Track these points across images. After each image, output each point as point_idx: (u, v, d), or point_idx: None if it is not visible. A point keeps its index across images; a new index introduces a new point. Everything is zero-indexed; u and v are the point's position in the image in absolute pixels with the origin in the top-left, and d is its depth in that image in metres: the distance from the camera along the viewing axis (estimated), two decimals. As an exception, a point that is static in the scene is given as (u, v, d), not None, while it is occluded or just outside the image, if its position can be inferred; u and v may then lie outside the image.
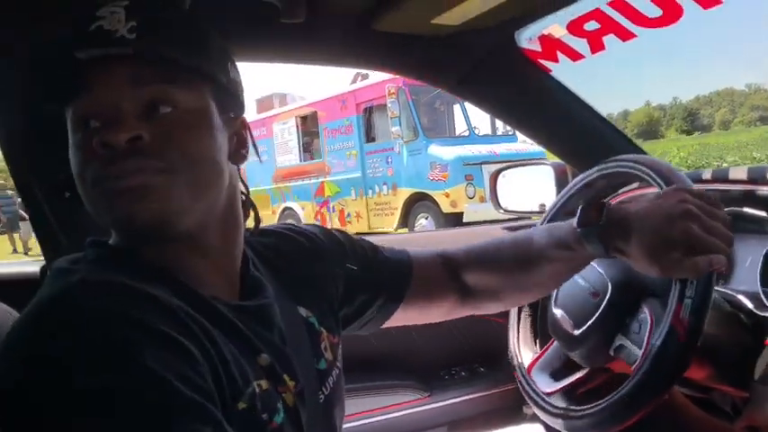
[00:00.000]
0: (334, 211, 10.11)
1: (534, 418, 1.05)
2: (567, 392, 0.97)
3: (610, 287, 0.89)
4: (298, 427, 0.62)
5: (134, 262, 0.59)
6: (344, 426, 0.78)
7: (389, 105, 8.56)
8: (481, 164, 8.35)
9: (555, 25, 1.15)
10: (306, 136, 10.87)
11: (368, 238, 0.93)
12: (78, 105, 0.58)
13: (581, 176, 1.08)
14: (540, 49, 1.21)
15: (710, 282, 0.73)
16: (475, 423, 1.30)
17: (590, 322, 0.91)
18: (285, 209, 10.95)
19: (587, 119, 1.36)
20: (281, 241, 0.80)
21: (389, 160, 9.13)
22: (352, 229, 9.26)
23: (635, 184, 1.11)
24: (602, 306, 0.89)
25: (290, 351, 0.66)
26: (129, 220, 0.56)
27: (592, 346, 0.92)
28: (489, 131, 9.63)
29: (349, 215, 9.87)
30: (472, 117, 9.59)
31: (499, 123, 9.52)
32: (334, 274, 0.81)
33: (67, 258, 0.60)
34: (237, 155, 0.66)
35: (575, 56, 1.20)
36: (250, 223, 0.75)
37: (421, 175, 8.78)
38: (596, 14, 1.07)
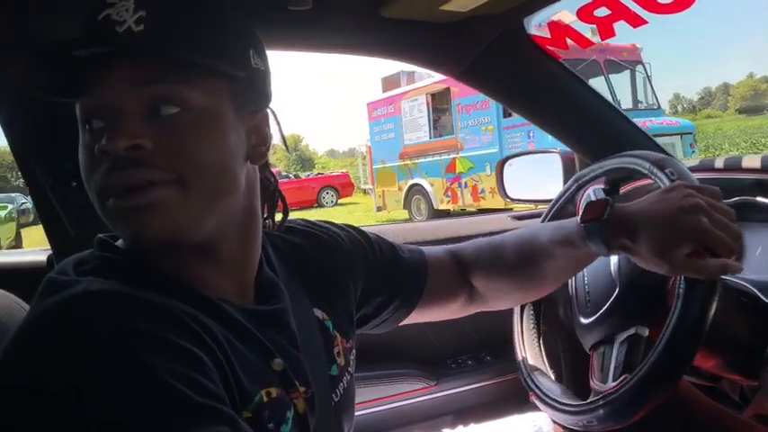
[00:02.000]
0: (466, 187, 10.01)
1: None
2: (571, 387, 0.97)
3: (621, 279, 0.89)
4: None
5: (144, 268, 0.57)
6: None
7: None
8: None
9: (564, 11, 1.14)
10: (436, 113, 10.77)
11: (385, 226, 0.92)
12: (83, 103, 0.56)
13: (587, 169, 1.07)
14: (549, 36, 1.19)
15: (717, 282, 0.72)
16: (481, 412, 1.30)
17: (611, 299, 0.90)
18: (413, 185, 11.00)
19: (597, 107, 1.34)
20: (304, 240, 0.78)
21: (531, 135, 8.68)
22: (485, 205, 9.30)
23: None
24: (618, 291, 0.89)
25: (302, 356, 0.64)
26: (138, 237, 0.54)
27: (613, 321, 0.91)
28: (631, 105, 9.38)
29: (483, 191, 9.71)
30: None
31: (641, 97, 9.44)
32: (353, 276, 0.80)
33: (72, 260, 0.58)
34: (256, 153, 0.62)
35: (584, 42, 1.19)
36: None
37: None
38: (607, 1, 1.05)
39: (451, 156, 10.23)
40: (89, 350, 0.45)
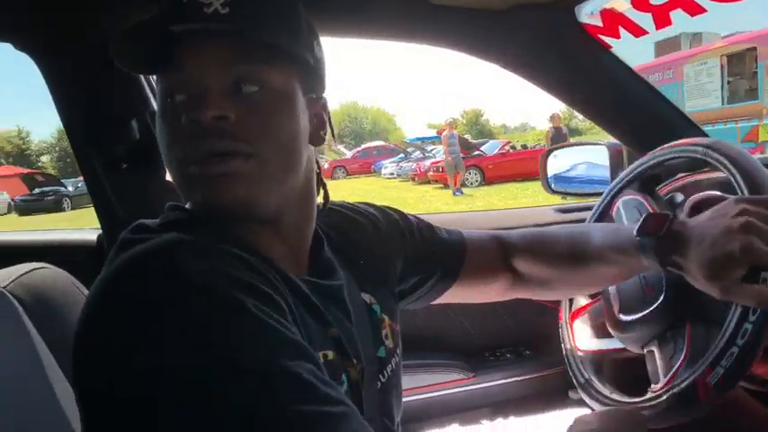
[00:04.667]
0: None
1: (581, 403, 1.03)
2: (619, 383, 0.95)
3: (665, 289, 0.86)
4: (358, 404, 0.62)
5: (214, 231, 0.59)
6: None
7: None
8: None
9: (618, -1, 1.10)
10: (732, 76, 9.61)
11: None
12: (168, 77, 0.59)
13: (636, 163, 1.04)
14: (601, 24, 1.16)
15: None
16: (519, 406, 1.29)
17: (637, 316, 0.89)
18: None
19: (648, 98, 1.30)
20: (346, 223, 0.80)
21: None
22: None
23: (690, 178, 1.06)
24: (654, 306, 0.87)
25: (356, 332, 0.67)
26: (215, 204, 0.57)
27: (633, 336, 0.90)
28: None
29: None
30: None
31: None
32: (392, 256, 0.82)
33: (143, 222, 0.60)
34: (317, 136, 0.66)
35: (638, 31, 1.15)
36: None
37: None
38: (665, -13, 1.02)
39: (752, 123, 8.86)
40: (182, 291, 0.47)
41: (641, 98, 1.31)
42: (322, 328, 0.61)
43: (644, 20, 1.13)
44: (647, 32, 1.15)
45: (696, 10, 1.02)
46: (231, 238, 0.58)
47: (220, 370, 0.45)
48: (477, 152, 14.35)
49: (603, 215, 1.08)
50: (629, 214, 0.99)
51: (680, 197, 1.00)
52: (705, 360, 0.72)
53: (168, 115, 0.58)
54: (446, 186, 12.82)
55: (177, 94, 0.58)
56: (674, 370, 0.81)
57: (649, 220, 0.72)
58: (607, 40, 1.19)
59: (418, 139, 30.63)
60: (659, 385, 0.82)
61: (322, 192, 0.74)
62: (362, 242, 0.79)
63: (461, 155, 12.41)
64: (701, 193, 0.90)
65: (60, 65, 1.10)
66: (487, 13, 1.13)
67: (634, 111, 1.32)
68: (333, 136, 0.74)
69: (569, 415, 1.09)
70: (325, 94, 0.68)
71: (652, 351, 0.89)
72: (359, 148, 28.21)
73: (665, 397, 0.78)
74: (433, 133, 35.27)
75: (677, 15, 1.07)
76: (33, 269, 0.85)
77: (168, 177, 0.62)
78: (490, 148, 15.26)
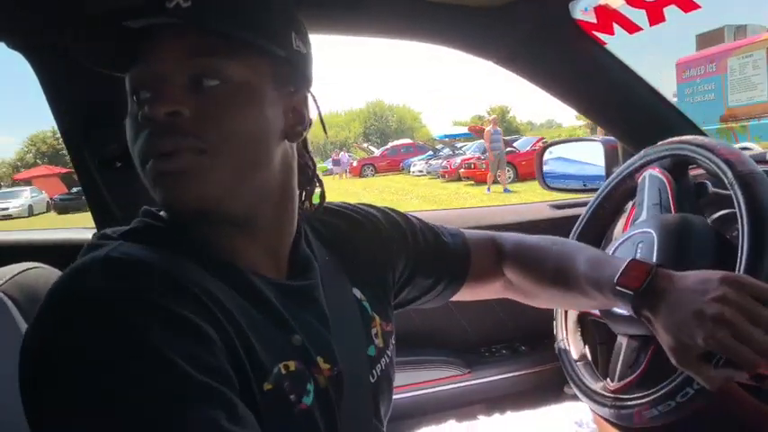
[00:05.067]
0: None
1: (576, 398, 1.04)
2: (605, 374, 0.96)
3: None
4: (329, 411, 0.61)
5: (177, 237, 0.59)
6: None
7: None
8: None
9: (613, -5, 1.10)
10: None
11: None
12: (131, 74, 0.58)
13: (628, 162, 1.04)
14: (595, 21, 1.16)
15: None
16: (515, 401, 1.30)
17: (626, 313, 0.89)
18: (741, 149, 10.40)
19: (643, 95, 1.30)
20: (342, 221, 0.79)
21: None
22: None
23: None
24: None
25: (330, 333, 0.65)
26: (170, 203, 0.56)
27: (619, 319, 0.90)
28: None
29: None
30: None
31: None
32: (393, 258, 0.81)
33: (113, 228, 0.60)
34: (293, 132, 0.64)
35: (632, 28, 1.15)
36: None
37: None
38: (659, -16, 1.02)
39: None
40: (88, 316, 0.46)
41: (637, 95, 1.31)
42: (285, 335, 0.59)
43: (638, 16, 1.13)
44: (642, 29, 1.15)
45: (690, 6, 1.02)
46: (193, 246, 0.57)
47: (105, 413, 0.43)
48: (509, 149, 14.32)
49: (624, 183, 1.06)
50: (650, 192, 0.98)
51: (710, 187, 0.97)
52: (649, 395, 0.79)
53: (132, 113, 0.58)
54: (477, 183, 12.69)
55: (141, 91, 0.57)
56: (626, 380, 0.87)
57: (631, 272, 0.72)
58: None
59: (447, 136, 30.59)
60: (611, 387, 0.89)
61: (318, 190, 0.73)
62: (360, 241, 0.78)
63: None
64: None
65: (53, 63, 1.09)
66: (483, 10, 1.13)
67: (629, 107, 1.33)
68: (324, 131, 0.73)
69: (565, 410, 1.10)
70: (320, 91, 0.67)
71: (621, 344, 0.91)
72: (387, 146, 28.30)
73: (609, 404, 0.87)
74: (460, 130, 35.11)
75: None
76: (27, 269, 0.85)
77: None
78: (523, 144, 15.22)
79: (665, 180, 0.97)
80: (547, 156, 1.61)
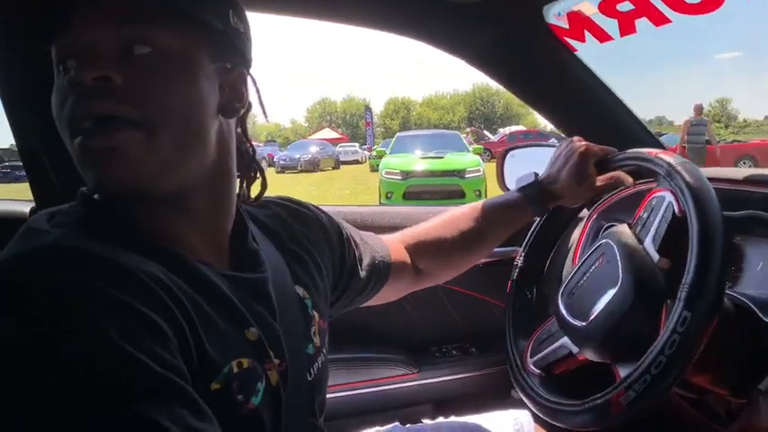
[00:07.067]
0: None
1: (522, 403, 1.04)
2: (559, 385, 0.95)
3: (622, 281, 0.86)
4: (276, 410, 0.59)
5: (118, 223, 0.56)
6: (329, 395, 0.77)
7: None
8: None
9: (586, 2, 1.10)
10: None
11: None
12: (57, 45, 0.55)
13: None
14: (567, 27, 1.15)
15: (717, 302, 0.72)
16: (461, 403, 1.29)
17: (596, 312, 0.88)
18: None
19: (607, 104, 1.31)
20: (288, 214, 0.78)
21: None
22: None
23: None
24: (611, 298, 0.87)
25: (281, 329, 0.63)
26: (100, 183, 0.54)
27: (599, 338, 0.90)
28: None
29: None
30: None
31: None
32: (333, 258, 0.82)
33: (49, 211, 0.57)
34: (230, 108, 0.62)
35: (603, 36, 1.15)
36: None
37: None
38: (633, -5, 1.02)
39: None
40: (44, 306, 0.44)
41: (602, 103, 1.32)
42: (239, 329, 0.57)
43: (610, 26, 1.13)
44: (612, 38, 1.15)
45: (661, 20, 1.03)
46: (135, 234, 0.55)
47: (65, 409, 0.41)
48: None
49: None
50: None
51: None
52: (622, 381, 0.77)
53: (59, 85, 0.55)
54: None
55: (69, 60, 0.54)
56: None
57: (524, 181, 0.99)
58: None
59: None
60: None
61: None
62: (304, 237, 0.77)
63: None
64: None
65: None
66: (457, 6, 1.11)
67: (594, 115, 1.33)
68: (264, 113, 0.71)
69: (510, 416, 1.09)
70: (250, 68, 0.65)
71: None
72: (506, 132, 28.58)
73: (578, 406, 0.84)
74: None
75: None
76: None
77: None
78: (668, 140, 15.29)
79: None
80: (508, 159, 1.61)
